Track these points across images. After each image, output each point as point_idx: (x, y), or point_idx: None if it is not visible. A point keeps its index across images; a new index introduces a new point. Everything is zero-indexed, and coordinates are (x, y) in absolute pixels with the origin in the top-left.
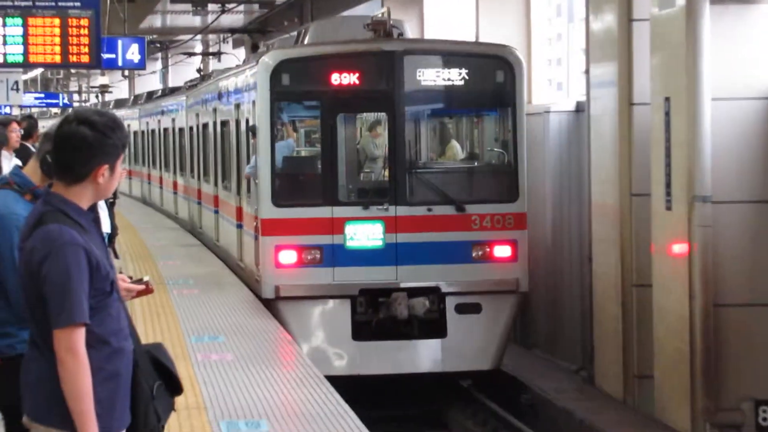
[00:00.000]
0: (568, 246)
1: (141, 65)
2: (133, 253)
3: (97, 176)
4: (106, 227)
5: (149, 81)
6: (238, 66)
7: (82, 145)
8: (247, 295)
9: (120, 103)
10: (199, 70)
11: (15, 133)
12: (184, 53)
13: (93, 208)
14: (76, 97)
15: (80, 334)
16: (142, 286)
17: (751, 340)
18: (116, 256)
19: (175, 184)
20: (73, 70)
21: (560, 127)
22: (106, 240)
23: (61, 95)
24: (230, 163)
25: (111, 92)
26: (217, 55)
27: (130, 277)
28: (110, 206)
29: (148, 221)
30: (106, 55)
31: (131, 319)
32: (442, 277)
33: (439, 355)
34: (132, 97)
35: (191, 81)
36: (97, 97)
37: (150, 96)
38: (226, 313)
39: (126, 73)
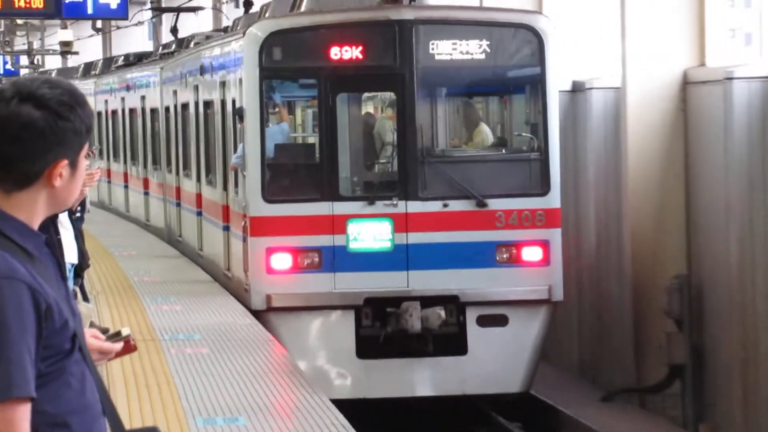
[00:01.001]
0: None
1: (121, 13)
2: (109, 291)
3: (52, 177)
4: (71, 255)
5: (133, 38)
6: (225, 30)
7: (28, 133)
8: (278, 357)
9: (64, 74)
10: (173, 30)
11: None
12: (154, 9)
13: (47, 227)
14: (24, 60)
15: (21, 415)
16: (120, 344)
17: None
18: (86, 298)
19: (145, 182)
20: (20, 21)
21: (751, 102)
22: (72, 274)
23: (0, 58)
24: (216, 153)
25: (77, 53)
26: (195, 10)
27: (105, 331)
28: (75, 222)
29: (120, 236)
30: None
31: (106, 390)
32: (461, 284)
33: (459, 375)
34: (82, 66)
35: (165, 46)
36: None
37: (108, 65)
38: (248, 381)
39: (98, 24)
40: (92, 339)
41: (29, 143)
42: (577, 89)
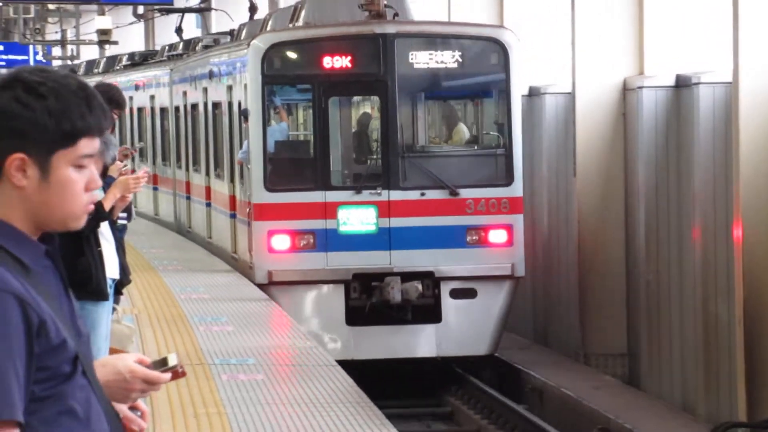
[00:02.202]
0: None
1: None
2: (152, 309)
3: (10, 173)
4: (112, 270)
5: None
6: (231, 33)
7: None
8: (342, 384)
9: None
10: (178, 31)
11: None
12: (161, 9)
13: (52, 237)
14: (56, 51)
15: None
16: (168, 375)
17: None
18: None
19: (155, 179)
20: (52, 6)
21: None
22: (112, 290)
23: (31, 48)
24: (223, 148)
25: (116, 43)
26: (202, 12)
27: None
28: (117, 231)
29: (162, 247)
30: None
31: (118, 419)
32: (436, 262)
33: (434, 340)
34: (84, 64)
35: (171, 47)
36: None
37: (111, 63)
38: (308, 412)
39: (140, 10)
40: (137, 366)
41: None
42: (533, 93)
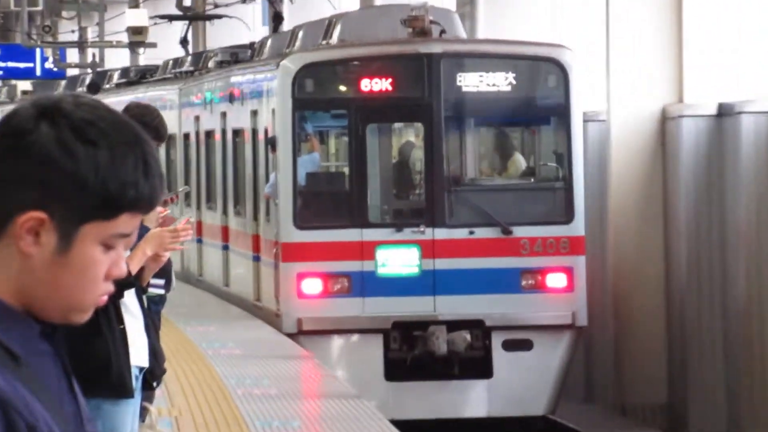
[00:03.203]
0: None
1: None
2: (198, 411)
3: (19, 233)
4: (139, 356)
5: (235, 26)
6: (251, 47)
7: (3, 145)
8: None
9: (41, 90)
10: (183, 42)
11: None
12: (159, 16)
13: (53, 326)
14: (72, 55)
15: None
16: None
17: None
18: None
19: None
20: None
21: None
22: (139, 383)
23: (38, 52)
24: (245, 182)
25: (153, 45)
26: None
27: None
28: (150, 304)
29: (210, 319)
30: None
31: None
32: (486, 308)
33: (484, 397)
34: (64, 83)
35: (176, 63)
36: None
37: (101, 81)
38: None
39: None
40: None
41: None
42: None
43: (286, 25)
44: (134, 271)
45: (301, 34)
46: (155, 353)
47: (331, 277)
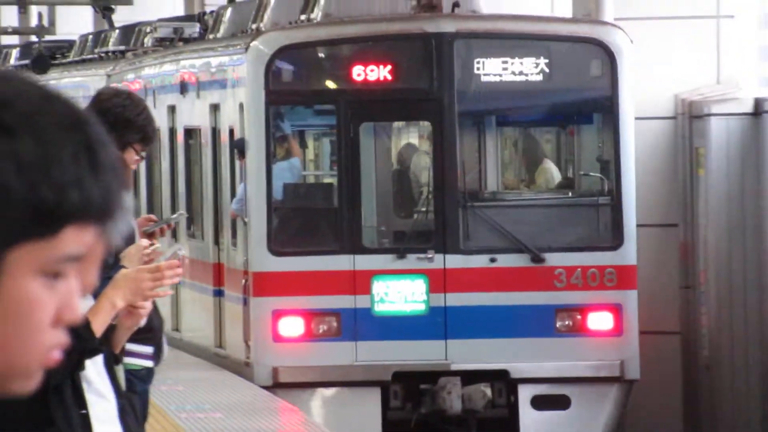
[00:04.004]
0: None
1: None
2: None
3: None
4: None
5: None
6: (199, 18)
7: None
8: None
9: None
10: (106, 11)
11: None
12: None
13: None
14: (8, 18)
15: None
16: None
17: None
18: None
19: None
20: None
21: None
22: None
23: None
24: (202, 197)
25: (129, 2)
26: None
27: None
28: (133, 379)
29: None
30: None
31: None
32: (511, 356)
33: None
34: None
35: (100, 38)
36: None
37: (46, 54)
38: None
39: None
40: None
41: None
42: None
43: None
44: (99, 330)
45: (272, 3)
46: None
47: (316, 315)
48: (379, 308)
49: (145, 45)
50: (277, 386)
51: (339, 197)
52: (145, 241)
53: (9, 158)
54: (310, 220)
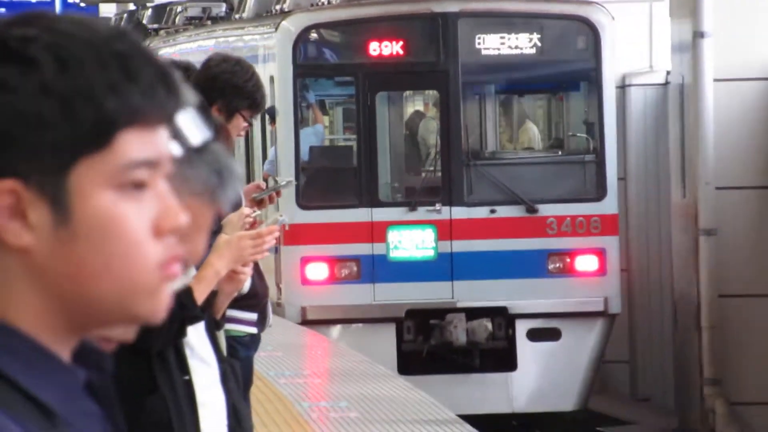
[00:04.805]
0: None
1: None
2: None
3: None
4: (216, 420)
5: None
6: (231, 8)
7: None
8: None
9: None
10: None
11: None
12: None
13: (96, 357)
14: None
15: None
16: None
17: None
18: None
19: None
20: None
21: None
22: None
23: None
24: (239, 159)
25: None
26: None
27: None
28: (220, 348)
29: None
30: None
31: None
32: (509, 294)
33: (508, 392)
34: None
35: (134, 16)
36: None
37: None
38: None
39: None
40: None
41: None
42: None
43: None
44: (201, 298)
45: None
46: (238, 417)
47: (339, 261)
48: (394, 254)
49: (176, 23)
50: (305, 323)
51: (358, 158)
52: (247, 209)
53: (33, 83)
54: (332, 178)
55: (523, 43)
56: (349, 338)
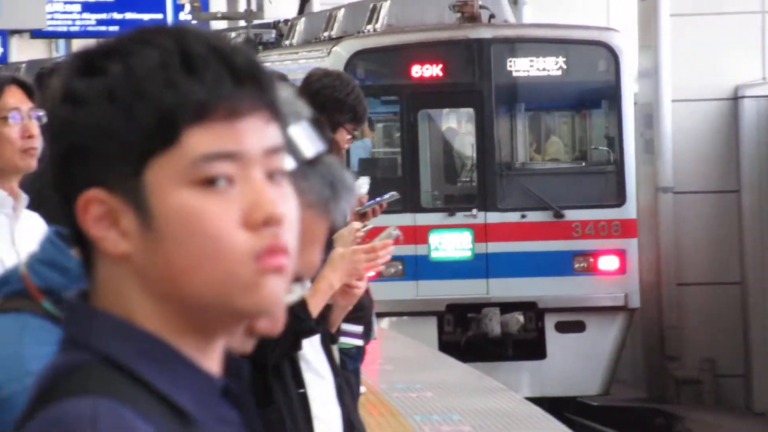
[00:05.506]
0: None
1: None
2: None
3: (94, 233)
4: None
5: None
6: (275, 26)
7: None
8: None
9: None
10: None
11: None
12: None
13: (235, 366)
14: (218, 4)
15: None
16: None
17: None
18: None
19: None
20: None
21: None
22: None
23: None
24: None
25: None
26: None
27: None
28: (334, 361)
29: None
30: None
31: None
32: (539, 290)
33: (538, 378)
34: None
35: None
36: None
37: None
38: None
39: None
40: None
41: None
42: None
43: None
44: (315, 311)
45: (340, 16)
46: (352, 428)
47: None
48: (435, 255)
49: None
50: None
51: (402, 169)
52: (357, 224)
53: (100, 94)
54: (379, 187)
55: (549, 66)
56: (395, 330)
